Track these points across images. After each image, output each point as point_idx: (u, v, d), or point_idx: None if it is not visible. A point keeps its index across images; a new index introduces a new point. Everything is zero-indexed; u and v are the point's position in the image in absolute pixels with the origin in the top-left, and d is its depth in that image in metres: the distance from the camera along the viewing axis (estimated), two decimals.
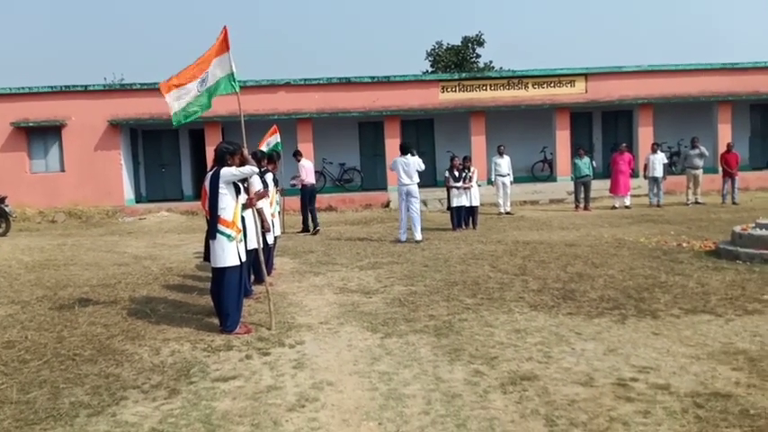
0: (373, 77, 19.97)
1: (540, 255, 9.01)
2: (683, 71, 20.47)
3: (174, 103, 5.96)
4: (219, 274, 5.51)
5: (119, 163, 18.75)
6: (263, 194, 6.72)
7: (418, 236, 11.00)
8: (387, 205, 18.45)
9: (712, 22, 48.81)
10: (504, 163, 15.83)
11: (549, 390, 3.90)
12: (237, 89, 5.99)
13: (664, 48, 49.52)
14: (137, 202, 19.49)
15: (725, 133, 19.63)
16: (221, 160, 5.57)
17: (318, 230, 13.00)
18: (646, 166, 16.17)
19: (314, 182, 13.66)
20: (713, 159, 18.39)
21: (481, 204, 13.60)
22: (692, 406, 3.58)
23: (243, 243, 5.71)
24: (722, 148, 17.31)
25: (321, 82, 19.69)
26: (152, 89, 18.83)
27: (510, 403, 3.73)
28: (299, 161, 13.52)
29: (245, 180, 5.86)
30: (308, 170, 13.47)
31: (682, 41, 48.13)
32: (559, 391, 3.87)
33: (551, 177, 20.50)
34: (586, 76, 20.33)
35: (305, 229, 13.28)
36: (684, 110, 20.85)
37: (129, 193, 19.12)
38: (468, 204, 12.83)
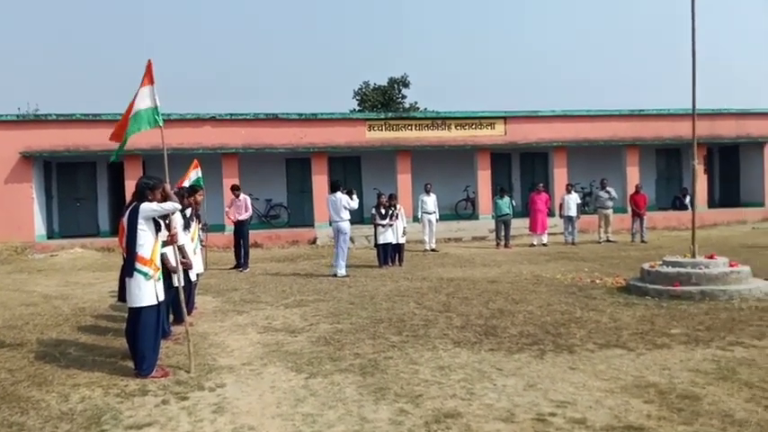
0: (301, 114, 20.04)
1: (463, 291, 9.20)
2: (593, 116, 21.75)
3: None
4: (135, 314, 5.29)
5: (30, 197, 17.78)
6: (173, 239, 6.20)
7: (339, 271, 11.13)
8: (313, 242, 18.35)
9: (621, 68, 52.38)
10: (431, 201, 16.18)
11: (471, 427, 3.95)
12: (161, 123, 5.88)
13: (577, 93, 52.56)
14: (49, 237, 18.47)
15: (633, 175, 20.92)
16: (141, 195, 5.40)
17: (247, 268, 12.76)
18: (561, 206, 16.97)
19: (247, 218, 13.36)
20: (623, 200, 19.49)
21: (407, 241, 13.79)
22: None
23: (161, 282, 5.51)
24: (631, 190, 18.41)
25: (248, 117, 19.56)
26: (69, 120, 18.17)
27: None
28: (237, 196, 13.35)
29: (166, 216, 5.69)
30: (246, 205, 13.28)
31: (593, 88, 51.26)
32: (482, 428, 3.93)
33: (474, 215, 21.08)
34: (505, 119, 21.22)
35: (238, 265, 13.03)
36: (596, 153, 22.07)
37: (40, 228, 18.11)
38: (394, 241, 12.98)
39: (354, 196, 11.86)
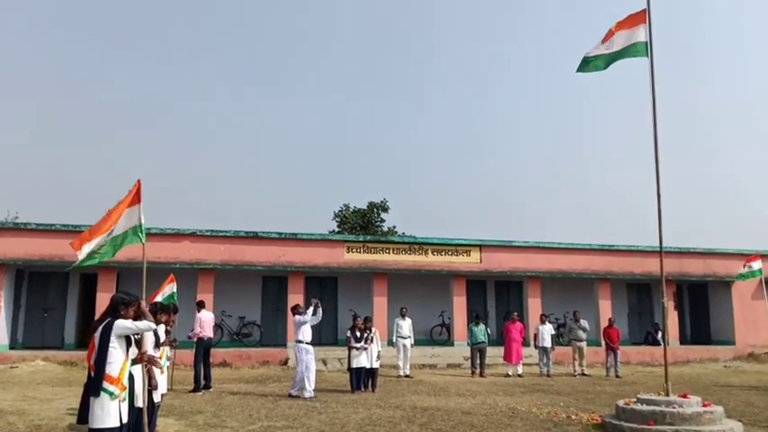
0: (281, 233, 20.32)
1: (437, 422, 8.96)
2: (566, 249, 22.35)
3: (82, 256, 5.94)
4: None
5: None
6: (154, 361, 6.16)
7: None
8: (285, 363, 17.91)
9: (592, 205, 54.60)
10: (406, 325, 16.10)
11: None
12: (144, 240, 6.01)
13: (553, 224, 54.31)
14: (11, 348, 17.78)
15: (605, 309, 21.20)
16: (116, 311, 5.37)
17: (210, 388, 12.32)
18: (536, 336, 16.99)
19: (211, 335, 13.21)
20: (595, 332, 19.58)
21: (381, 366, 13.56)
22: None
23: (126, 402, 5.34)
24: (604, 323, 18.57)
25: (228, 234, 19.76)
26: (47, 230, 18.18)
27: None
28: (198, 312, 13.16)
29: (138, 333, 5.63)
30: (206, 322, 13.08)
31: (568, 221, 53.09)
32: None
33: (449, 342, 20.91)
34: (481, 247, 21.70)
35: (196, 388, 12.31)
36: (569, 284, 22.46)
37: (3, 338, 17.48)
38: (368, 366, 12.75)
39: (311, 309, 12.07)
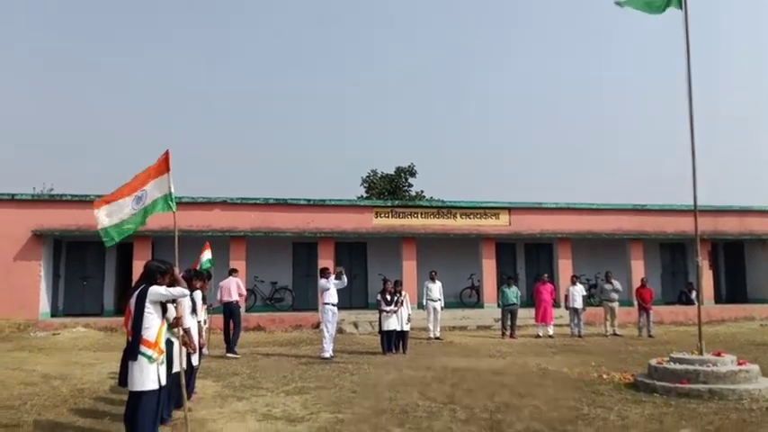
0: (309, 200, 20.44)
1: (468, 383, 9.05)
2: (597, 210, 22.04)
3: (105, 219, 6.02)
4: (136, 398, 5.25)
5: (38, 274, 17.89)
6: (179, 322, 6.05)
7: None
8: (317, 326, 18.17)
9: (621, 165, 53.57)
10: (436, 288, 16.16)
11: None
12: (174, 209, 6.08)
13: (582, 185, 53.50)
14: (52, 315, 18.42)
15: (638, 269, 20.93)
16: (150, 278, 5.49)
17: (231, 352, 12.30)
18: (566, 297, 16.90)
19: (232, 299, 13.13)
20: (627, 293, 19.38)
21: (411, 329, 13.68)
22: None
23: (164, 365, 5.50)
24: (636, 283, 18.36)
25: (258, 201, 19.95)
26: (82, 201, 18.56)
27: None
28: (225, 279, 13.42)
29: (173, 300, 5.75)
30: (224, 288, 13.22)
31: (598, 181, 52.24)
32: None
33: (478, 304, 20.96)
34: (510, 209, 21.53)
35: (228, 350, 12.54)
36: (600, 245, 22.19)
37: (44, 306, 18.10)
38: (398, 328, 12.88)
39: (332, 277, 12.27)
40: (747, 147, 51.24)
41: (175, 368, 5.99)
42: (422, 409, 7.23)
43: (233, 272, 13.94)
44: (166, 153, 6.23)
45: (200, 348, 7.71)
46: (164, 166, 6.17)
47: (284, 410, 7.23)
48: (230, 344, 12.58)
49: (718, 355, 8.59)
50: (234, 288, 13.23)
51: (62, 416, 6.93)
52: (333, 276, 12.21)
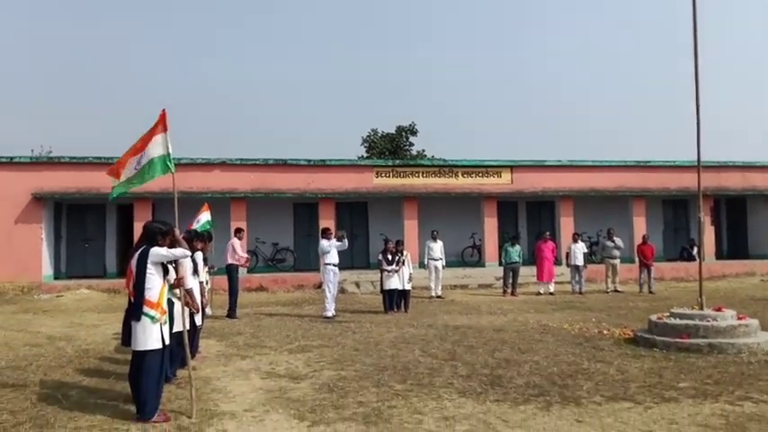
0: (309, 160, 20.31)
1: (469, 340, 9.12)
2: (599, 167, 21.92)
3: (116, 182, 6.03)
4: (140, 357, 5.28)
5: (39, 237, 17.93)
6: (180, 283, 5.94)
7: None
8: (319, 286, 18.29)
9: (620, 122, 53.10)
10: (437, 247, 16.19)
11: None
12: (173, 170, 6.00)
13: (584, 143, 53.10)
14: (55, 278, 18.54)
15: (640, 226, 20.91)
16: (151, 239, 5.46)
17: (229, 316, 12.10)
18: (568, 255, 16.94)
19: (230, 261, 12.95)
20: (629, 250, 19.42)
21: (413, 288, 13.74)
22: None
23: (167, 325, 5.52)
24: (638, 240, 18.37)
25: (257, 162, 19.84)
26: (81, 163, 18.48)
27: None
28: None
29: (174, 260, 5.73)
30: (226, 250, 13.13)
31: (598, 138, 51.88)
32: None
33: (480, 263, 21.03)
34: (512, 168, 21.41)
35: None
36: (602, 202, 22.13)
37: (47, 268, 18.20)
38: (400, 287, 12.94)
39: (333, 239, 12.29)
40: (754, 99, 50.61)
41: (177, 328, 6.02)
42: (423, 366, 7.30)
43: (236, 232, 13.86)
44: (163, 112, 6.11)
45: (203, 308, 7.77)
46: (161, 125, 6.07)
47: (288, 368, 7.30)
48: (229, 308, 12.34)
49: (719, 310, 8.63)
50: (230, 250, 13.03)
51: (68, 376, 7.01)
52: (333, 240, 12.19)
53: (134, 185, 6.05)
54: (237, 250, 13.03)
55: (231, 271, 12.76)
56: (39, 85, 51.22)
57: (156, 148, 5.95)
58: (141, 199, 17.92)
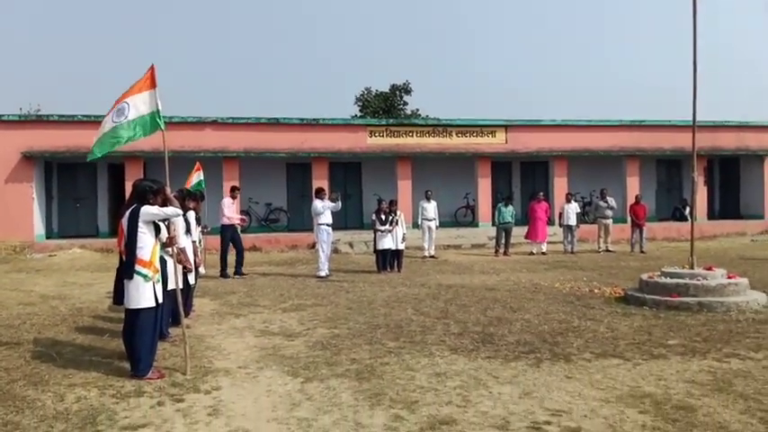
0: (302, 119, 20.10)
1: (461, 298, 9.20)
2: (594, 126, 21.81)
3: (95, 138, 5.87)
4: (133, 316, 5.29)
5: (30, 197, 17.80)
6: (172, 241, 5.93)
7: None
8: (312, 246, 18.32)
9: (620, 77, 52.62)
10: (431, 208, 16.19)
11: None
12: (163, 127, 5.89)
13: (578, 102, 52.75)
14: (48, 237, 18.48)
15: (633, 186, 20.94)
16: (141, 198, 5.41)
17: (222, 276, 12.23)
18: (560, 215, 16.99)
19: (224, 222, 12.99)
20: (622, 210, 19.49)
21: (406, 248, 13.79)
22: None
23: (160, 284, 5.51)
24: (631, 200, 18.43)
25: (249, 121, 19.61)
26: (70, 121, 18.22)
27: None
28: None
29: (166, 219, 5.69)
30: (220, 209, 13.10)
31: (593, 97, 51.48)
32: None
33: (473, 223, 21.08)
34: (506, 127, 21.27)
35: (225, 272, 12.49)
36: (596, 162, 22.09)
37: (39, 228, 18.13)
38: (393, 247, 12.98)
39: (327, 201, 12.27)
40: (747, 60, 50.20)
41: (170, 286, 6.02)
42: (416, 324, 7.37)
43: (231, 190, 13.75)
44: (151, 68, 5.96)
45: (197, 268, 7.77)
46: (149, 81, 5.92)
47: (281, 326, 7.36)
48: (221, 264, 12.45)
49: (709, 269, 8.71)
50: (220, 211, 13.00)
51: (62, 334, 7.04)
52: (327, 202, 12.13)
53: (121, 143, 5.86)
54: (224, 210, 12.90)
55: (223, 231, 12.73)
56: (27, 41, 50.14)
57: (145, 104, 5.83)
58: (132, 158, 17.76)
